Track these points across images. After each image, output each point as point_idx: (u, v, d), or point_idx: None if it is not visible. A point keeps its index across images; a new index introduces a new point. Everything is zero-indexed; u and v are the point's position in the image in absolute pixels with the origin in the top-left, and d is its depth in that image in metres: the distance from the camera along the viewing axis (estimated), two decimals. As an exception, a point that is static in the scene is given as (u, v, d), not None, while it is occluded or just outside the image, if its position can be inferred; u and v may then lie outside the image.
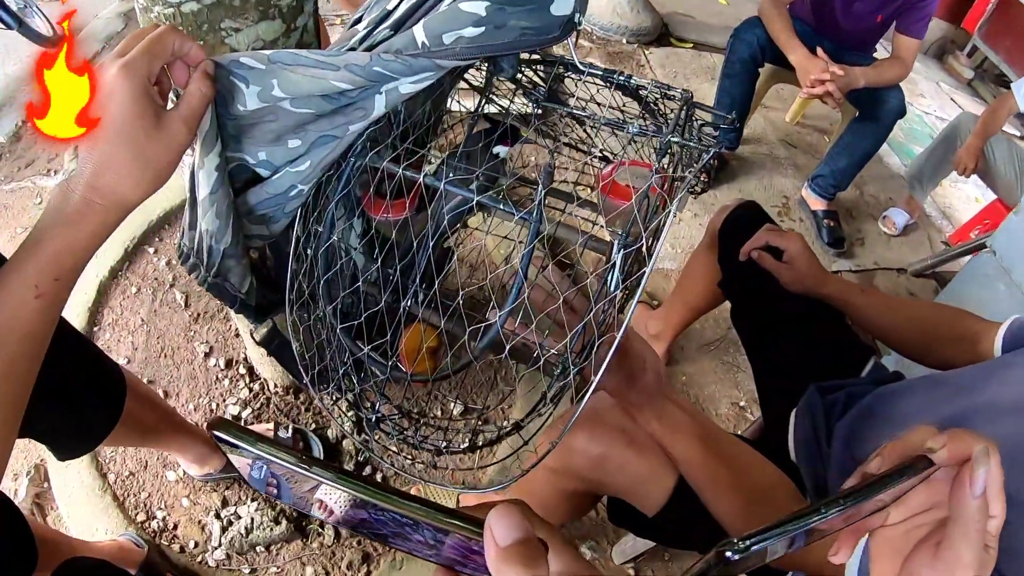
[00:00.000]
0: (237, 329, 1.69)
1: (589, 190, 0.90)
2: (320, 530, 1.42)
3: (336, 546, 1.41)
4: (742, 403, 1.95)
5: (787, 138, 3.11)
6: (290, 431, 1.48)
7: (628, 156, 0.87)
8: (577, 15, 0.61)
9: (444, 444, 0.76)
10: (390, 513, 0.32)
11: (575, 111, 0.80)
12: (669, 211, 0.60)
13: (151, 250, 1.86)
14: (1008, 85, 2.67)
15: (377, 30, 0.67)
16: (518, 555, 0.29)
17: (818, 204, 2.61)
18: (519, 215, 0.68)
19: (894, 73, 2.28)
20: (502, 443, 0.78)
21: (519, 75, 0.84)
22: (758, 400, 1.34)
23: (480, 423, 1.56)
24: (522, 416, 0.74)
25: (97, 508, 1.37)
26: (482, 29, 0.60)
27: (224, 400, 1.59)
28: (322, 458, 1.49)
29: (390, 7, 0.68)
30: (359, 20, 0.73)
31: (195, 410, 1.57)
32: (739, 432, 1.35)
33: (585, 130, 0.95)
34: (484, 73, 0.88)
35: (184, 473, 1.45)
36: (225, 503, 1.43)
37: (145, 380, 1.59)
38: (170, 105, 0.62)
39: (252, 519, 1.37)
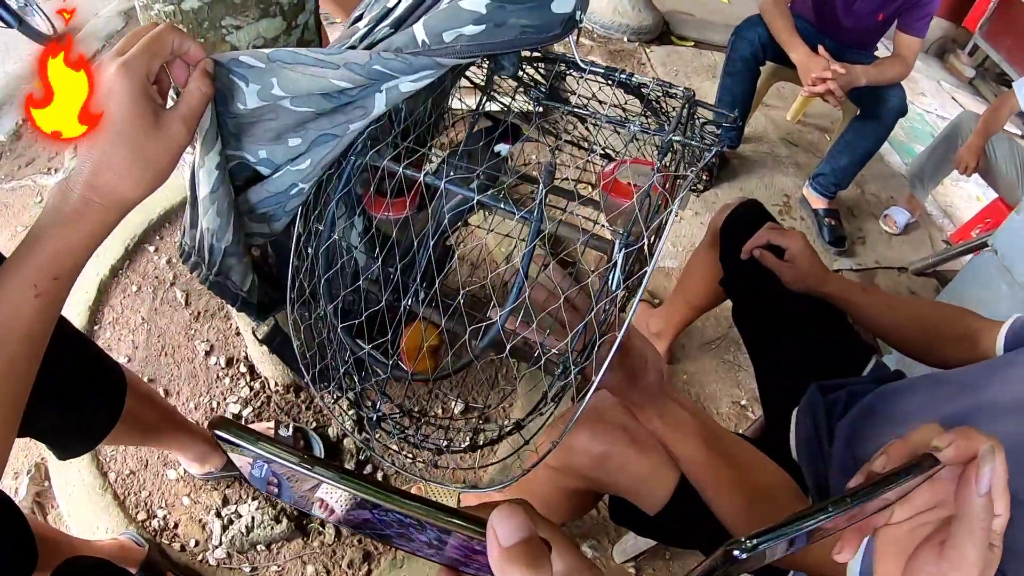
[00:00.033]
0: (238, 327, 1.69)
1: (591, 188, 0.90)
2: (321, 529, 1.42)
3: (337, 544, 1.41)
4: (743, 402, 1.95)
5: (788, 136, 3.11)
6: (291, 429, 1.48)
7: (630, 154, 0.86)
8: (578, 13, 0.61)
9: (445, 443, 0.76)
10: (392, 513, 0.31)
11: (576, 109, 0.80)
12: (671, 210, 0.60)
13: (152, 248, 1.86)
14: (1009, 84, 2.66)
15: (377, 28, 0.67)
16: (521, 555, 0.29)
17: (819, 203, 2.61)
18: (520, 214, 0.68)
19: (895, 72, 2.28)
20: (503, 442, 0.78)
21: (520, 73, 0.84)
22: (759, 399, 1.34)
23: (481, 422, 1.56)
24: (523, 415, 0.74)
25: (98, 507, 1.37)
26: (482, 27, 0.60)
27: (225, 399, 1.58)
28: (323, 457, 1.49)
29: (390, 5, 0.67)
30: (359, 18, 0.72)
31: (196, 408, 1.57)
32: (740, 431, 1.35)
33: (587, 127, 0.95)
34: (485, 71, 0.88)
35: (185, 472, 1.45)
36: (226, 502, 1.43)
37: (146, 379, 1.59)
38: (170, 103, 0.62)
39: (253, 518, 1.37)
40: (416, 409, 0.83)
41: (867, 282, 2.47)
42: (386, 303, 0.76)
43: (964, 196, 3.23)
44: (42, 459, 1.45)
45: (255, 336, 1.00)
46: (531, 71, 0.87)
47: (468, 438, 1.51)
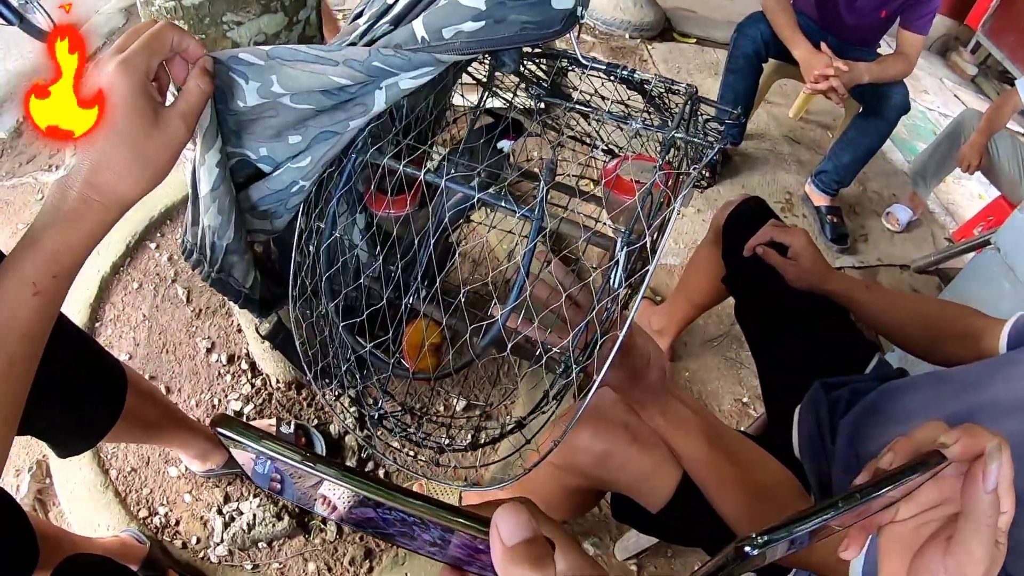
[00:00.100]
0: (239, 324, 1.69)
1: (593, 184, 0.90)
2: (322, 526, 1.42)
3: (338, 542, 1.41)
4: (745, 399, 1.94)
5: (790, 134, 3.10)
6: (292, 427, 1.48)
7: (633, 150, 0.86)
8: (579, 9, 0.61)
9: (447, 441, 0.76)
10: (395, 511, 0.31)
11: (578, 106, 0.80)
12: (674, 208, 0.60)
13: (152, 246, 1.86)
14: (1012, 82, 2.65)
15: (377, 25, 0.67)
16: (525, 554, 0.29)
17: (821, 200, 2.60)
18: (521, 212, 0.68)
19: (898, 69, 2.27)
20: (504, 440, 0.78)
21: (522, 69, 0.84)
22: (761, 396, 1.34)
23: (483, 420, 1.56)
24: (525, 413, 0.74)
25: (99, 504, 1.37)
26: (482, 23, 0.60)
27: (226, 396, 1.58)
28: (324, 454, 1.49)
29: (390, 1, 0.67)
30: (360, 15, 0.72)
31: (197, 406, 1.57)
32: (742, 428, 1.35)
33: (590, 123, 0.95)
34: (487, 67, 0.87)
35: (186, 469, 1.45)
36: (227, 499, 1.43)
37: (147, 376, 1.59)
38: (169, 100, 0.62)
39: (254, 515, 1.37)
40: (418, 406, 0.83)
41: (869, 280, 2.47)
42: (387, 300, 0.75)
43: (966, 194, 3.23)
44: (43, 456, 1.45)
45: (258, 332, 1.00)
46: (532, 67, 0.86)
47: (470, 436, 1.51)
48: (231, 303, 1.02)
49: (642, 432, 0.95)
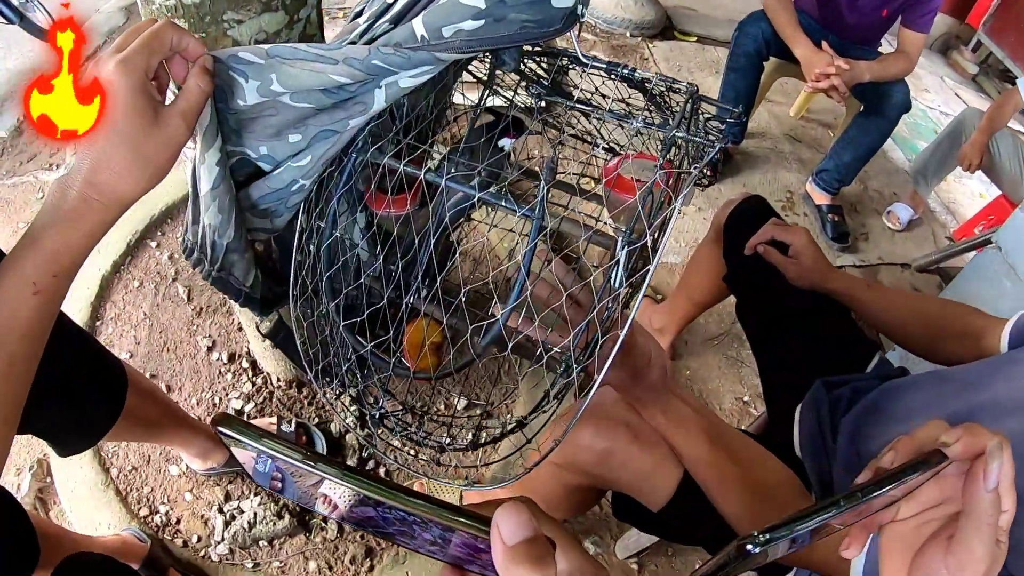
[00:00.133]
0: (240, 323, 1.69)
1: (594, 183, 0.90)
2: (323, 525, 1.42)
3: (339, 540, 1.41)
4: (746, 398, 1.94)
5: (791, 132, 3.10)
6: (293, 425, 1.48)
7: (634, 148, 0.86)
8: (579, 7, 0.61)
9: (447, 440, 0.76)
10: (396, 510, 0.31)
11: (578, 105, 0.80)
12: (674, 207, 0.60)
13: (153, 244, 1.86)
14: (1013, 81, 2.65)
15: (377, 24, 0.67)
16: (525, 554, 0.29)
17: (822, 199, 2.60)
18: (521, 211, 0.68)
19: (899, 67, 2.27)
20: (505, 439, 0.78)
21: (522, 67, 0.84)
22: (762, 395, 1.34)
23: (484, 418, 1.56)
24: (526, 413, 0.74)
25: (100, 503, 1.38)
26: (481, 22, 0.59)
27: (227, 394, 1.58)
28: (325, 453, 1.49)
29: (390, 0, 0.67)
30: (360, 14, 0.72)
31: (198, 404, 1.57)
32: (743, 427, 1.35)
33: (591, 121, 0.94)
34: (488, 65, 0.87)
35: (187, 468, 1.45)
36: (228, 497, 1.43)
37: (147, 375, 1.59)
38: (169, 99, 0.62)
39: (255, 513, 1.37)
40: (419, 405, 0.83)
41: (870, 278, 2.47)
42: (388, 300, 0.75)
43: (967, 193, 3.22)
44: (44, 455, 1.45)
45: (259, 331, 1.00)
46: (533, 65, 0.86)
47: (471, 435, 1.51)
48: (232, 302, 1.02)
49: (643, 431, 0.95)
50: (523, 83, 0.87)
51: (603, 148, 0.96)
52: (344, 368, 0.79)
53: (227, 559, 1.36)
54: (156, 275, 1.79)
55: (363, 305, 0.76)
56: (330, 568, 1.37)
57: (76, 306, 1.65)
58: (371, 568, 1.39)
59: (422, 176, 0.70)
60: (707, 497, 0.87)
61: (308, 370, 0.76)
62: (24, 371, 0.58)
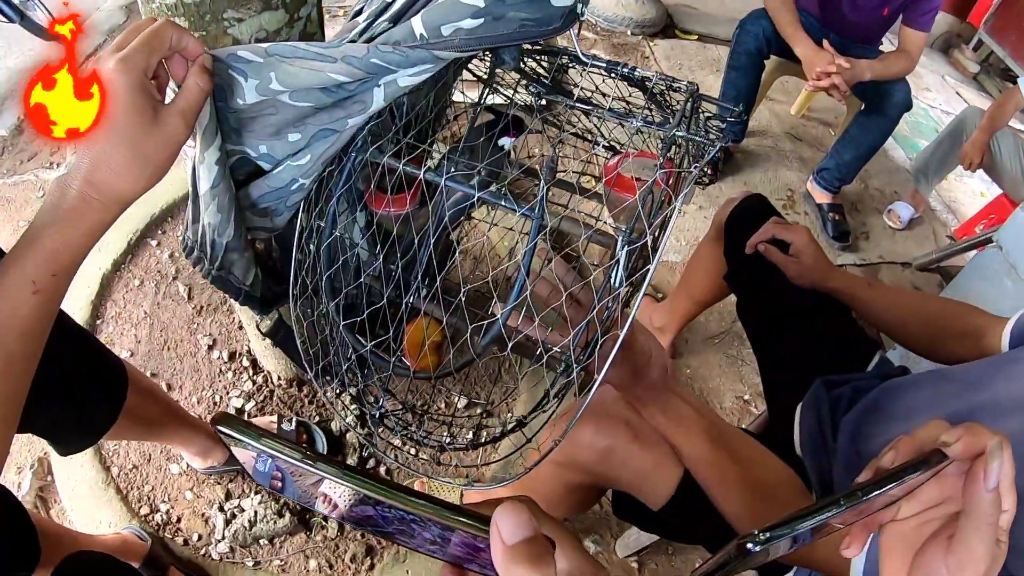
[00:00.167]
0: (240, 321, 1.69)
1: (594, 181, 0.90)
2: (324, 523, 1.42)
3: (340, 539, 1.41)
4: (746, 397, 1.94)
5: (792, 131, 3.09)
6: (293, 424, 1.48)
7: (634, 147, 0.86)
8: (579, 6, 0.60)
9: (448, 439, 0.76)
10: (396, 509, 0.31)
11: (578, 103, 0.80)
12: (675, 206, 0.60)
13: (154, 243, 1.86)
14: (1014, 79, 2.65)
15: (376, 22, 0.67)
16: (525, 554, 0.29)
17: (823, 197, 2.60)
18: (521, 210, 0.67)
19: (900, 66, 2.27)
20: (506, 439, 0.78)
21: (522, 66, 0.84)
22: (763, 394, 1.34)
23: (484, 418, 1.56)
24: (526, 412, 0.74)
25: (100, 501, 1.38)
26: (480, 21, 0.59)
27: (227, 393, 1.58)
28: (326, 451, 1.49)
29: (389, -1, 0.67)
30: (359, 12, 0.72)
31: (198, 403, 1.57)
32: (744, 426, 1.35)
33: (591, 120, 0.94)
34: (488, 63, 0.87)
35: (187, 466, 1.45)
36: (228, 496, 1.43)
37: (148, 373, 1.59)
38: (169, 98, 0.62)
39: (256, 512, 1.37)
40: (419, 405, 0.83)
41: (871, 277, 2.46)
42: (388, 299, 0.75)
43: (968, 192, 3.22)
44: (45, 454, 1.46)
45: (259, 329, 1.00)
46: (533, 64, 0.86)
47: (471, 434, 1.51)
48: (232, 300, 1.02)
49: (643, 429, 0.95)
50: (523, 82, 0.86)
51: (603, 147, 0.96)
52: (344, 367, 0.79)
53: (228, 557, 1.36)
54: (157, 274, 1.79)
55: (363, 304, 0.76)
56: (330, 566, 1.38)
57: (76, 304, 1.65)
58: (371, 567, 1.39)
59: (422, 175, 0.70)
60: (707, 496, 0.87)
61: (308, 369, 0.76)
62: (23, 370, 0.58)
